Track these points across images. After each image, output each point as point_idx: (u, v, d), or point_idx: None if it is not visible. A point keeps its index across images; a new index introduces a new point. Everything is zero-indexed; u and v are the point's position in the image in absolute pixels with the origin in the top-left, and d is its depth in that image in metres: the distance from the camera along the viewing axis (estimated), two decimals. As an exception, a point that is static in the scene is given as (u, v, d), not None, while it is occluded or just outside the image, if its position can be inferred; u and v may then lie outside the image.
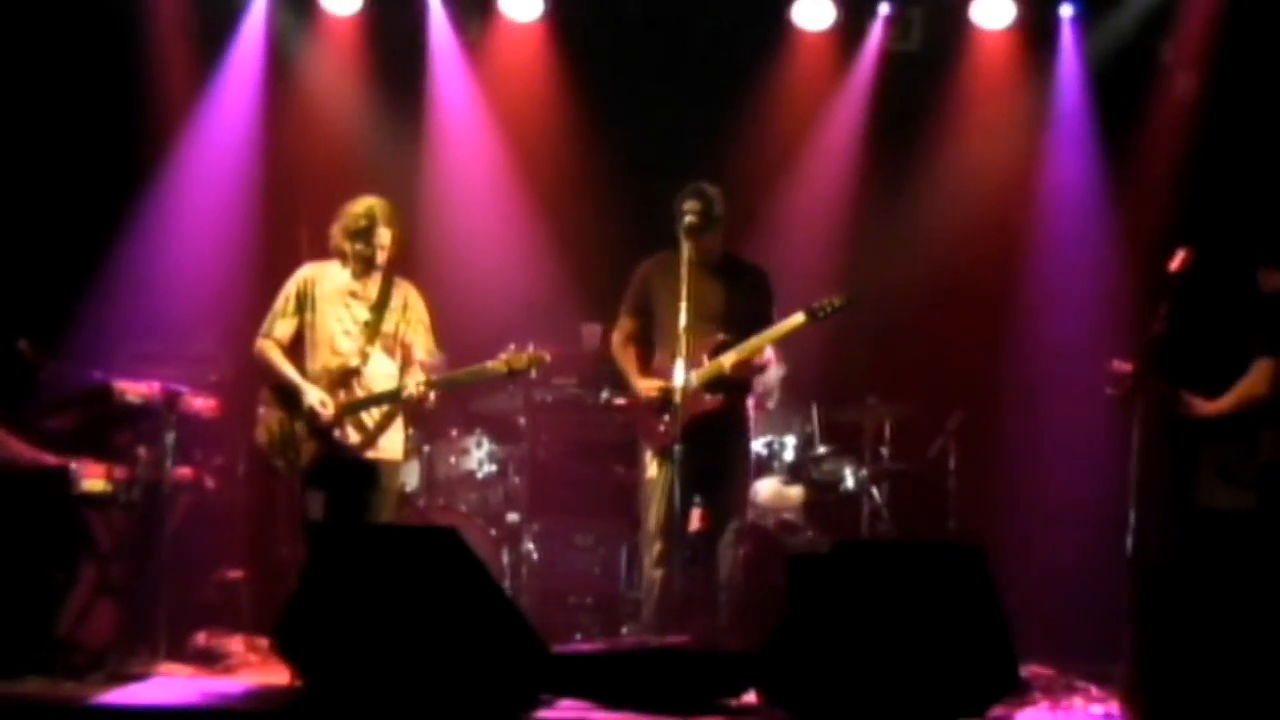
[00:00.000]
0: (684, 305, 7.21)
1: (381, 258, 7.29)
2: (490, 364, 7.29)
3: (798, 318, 7.47)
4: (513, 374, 7.31)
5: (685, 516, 7.31)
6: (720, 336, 7.40)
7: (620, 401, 8.08)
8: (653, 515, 7.59)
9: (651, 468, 7.61)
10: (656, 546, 7.55)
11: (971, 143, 9.67)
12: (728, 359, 7.41)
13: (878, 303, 9.36)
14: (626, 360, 7.78)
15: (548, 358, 7.36)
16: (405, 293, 7.43)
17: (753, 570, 8.06)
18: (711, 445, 7.30)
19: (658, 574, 7.53)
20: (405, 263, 7.71)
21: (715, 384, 7.41)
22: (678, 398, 7.25)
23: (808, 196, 9.84)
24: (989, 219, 9.53)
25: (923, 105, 9.68)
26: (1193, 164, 9.16)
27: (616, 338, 7.84)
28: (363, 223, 7.27)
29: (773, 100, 9.76)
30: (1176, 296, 7.23)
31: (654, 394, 7.52)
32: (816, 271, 9.43)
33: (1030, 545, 8.76)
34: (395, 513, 7.59)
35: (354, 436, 7.23)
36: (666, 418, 7.44)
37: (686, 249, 7.34)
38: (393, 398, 7.25)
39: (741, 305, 7.54)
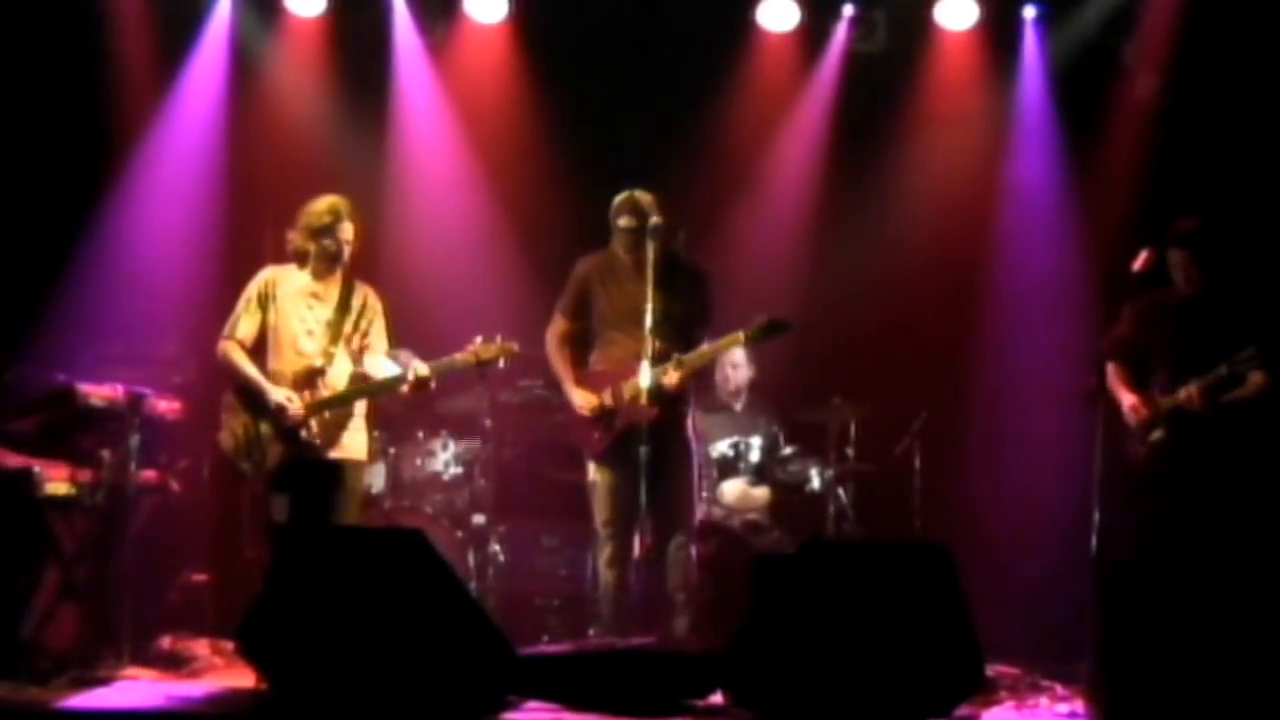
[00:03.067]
0: (650, 306, 7.19)
1: (346, 253, 7.26)
2: (459, 356, 7.26)
3: (736, 336, 7.46)
4: (481, 365, 7.27)
5: (634, 517, 7.29)
6: (658, 345, 7.31)
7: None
8: (600, 518, 7.60)
9: (593, 471, 7.62)
10: (608, 549, 7.56)
11: (935, 143, 9.68)
12: (667, 376, 7.34)
13: (842, 303, 9.42)
14: (562, 364, 7.72)
15: (516, 348, 7.32)
16: (364, 294, 7.42)
17: (717, 571, 8.06)
18: (653, 450, 7.23)
19: (611, 575, 7.54)
20: (368, 264, 7.68)
21: (653, 395, 7.33)
22: (644, 399, 7.23)
23: (772, 197, 9.84)
24: (953, 218, 9.54)
25: (887, 106, 9.69)
26: (1155, 164, 9.19)
27: (551, 338, 7.77)
28: (326, 219, 7.24)
29: (737, 101, 9.75)
30: (1139, 297, 7.26)
31: (587, 411, 7.52)
32: (780, 274, 9.47)
33: (995, 545, 8.76)
34: (360, 515, 7.54)
35: (319, 436, 7.18)
36: (600, 428, 7.48)
37: (635, 251, 7.37)
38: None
39: (681, 307, 7.47)
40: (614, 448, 7.51)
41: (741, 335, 7.44)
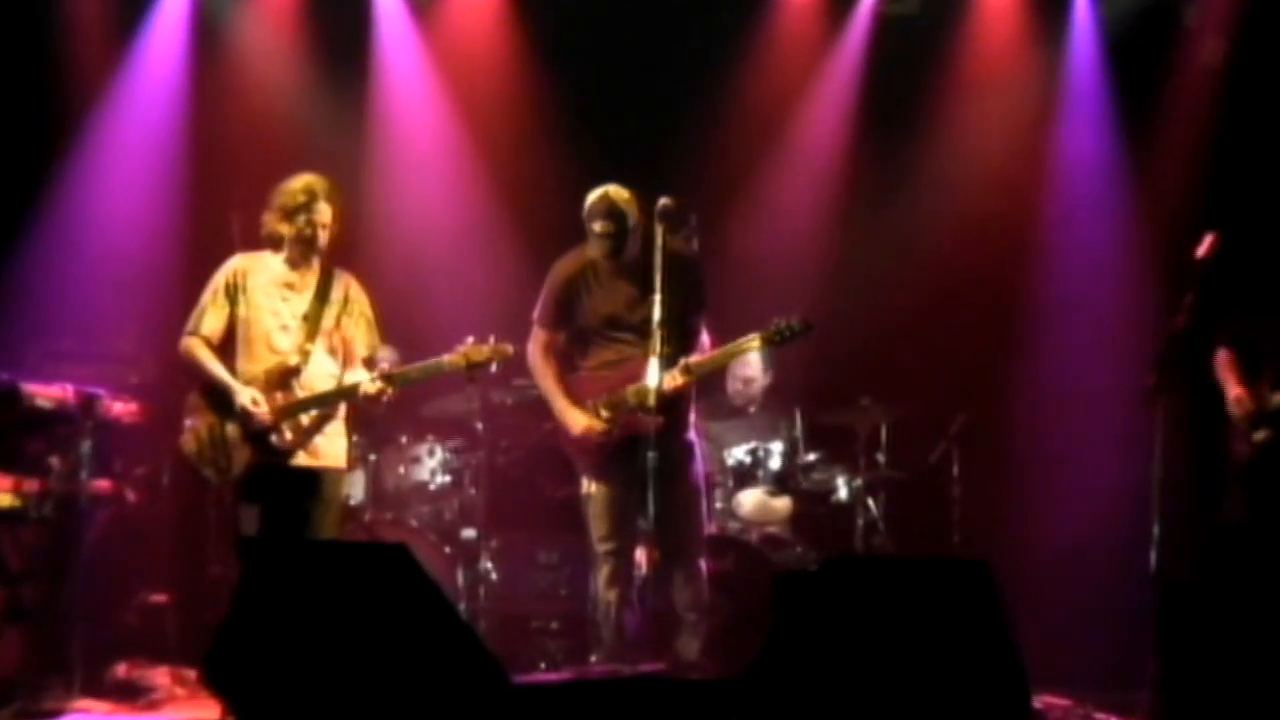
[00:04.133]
0: (658, 298, 7.15)
1: (323, 237, 7.23)
2: (447, 358, 7.21)
3: (752, 340, 7.39)
4: (471, 368, 7.22)
5: (636, 534, 7.27)
6: (658, 349, 7.25)
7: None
8: (597, 533, 7.57)
9: (587, 483, 7.59)
10: (607, 567, 7.53)
11: (974, 115, 9.69)
12: (671, 380, 7.30)
13: (872, 293, 9.42)
14: (550, 383, 7.62)
15: (511, 350, 7.26)
16: (346, 284, 7.38)
17: (734, 589, 8.04)
18: (657, 461, 7.19)
19: (611, 596, 7.52)
20: (348, 252, 7.68)
21: (657, 403, 7.29)
22: (651, 400, 7.19)
23: (794, 176, 9.84)
24: (994, 202, 9.54)
25: (921, 74, 9.69)
26: (1219, 137, 9.17)
27: (534, 352, 7.67)
28: (301, 199, 7.21)
29: (755, 69, 9.76)
30: (1203, 285, 7.23)
31: (595, 433, 7.47)
32: (803, 261, 9.48)
33: (1043, 561, 8.77)
34: (338, 527, 7.53)
35: (292, 442, 7.16)
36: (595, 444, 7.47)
37: (612, 257, 7.40)
38: (347, 395, 7.19)
39: (671, 301, 7.32)
40: (611, 458, 7.48)
41: (757, 339, 7.34)
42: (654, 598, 7.40)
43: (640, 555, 7.36)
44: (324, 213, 7.24)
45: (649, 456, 7.10)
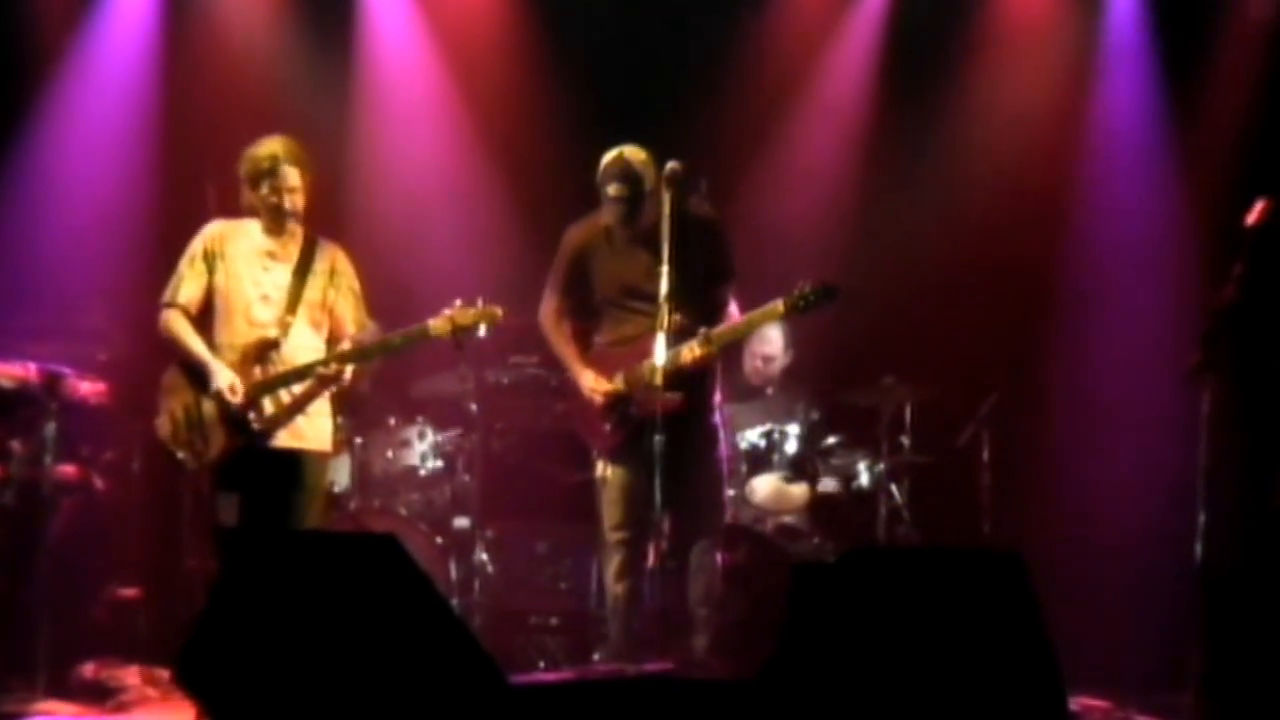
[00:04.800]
0: (665, 269, 7.11)
1: (290, 203, 7.21)
2: (431, 322, 7.19)
3: (775, 306, 7.35)
4: (457, 333, 7.20)
5: (650, 521, 7.24)
6: (678, 319, 7.25)
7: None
8: (609, 521, 7.55)
9: (601, 467, 7.57)
10: (617, 558, 7.52)
11: (1006, 72, 9.68)
12: (690, 353, 7.28)
13: (896, 264, 9.41)
14: (563, 343, 7.64)
15: (500, 313, 7.23)
16: (332, 256, 7.38)
17: (746, 583, 8.05)
18: (672, 440, 7.16)
19: (621, 589, 7.51)
20: (334, 220, 7.68)
21: (672, 377, 7.26)
22: (658, 379, 7.15)
23: (813, 141, 9.84)
24: (1027, 167, 9.52)
25: (949, 27, 9.68)
26: (1271, 99, 9.13)
27: (547, 316, 7.69)
28: (265, 164, 7.20)
29: (772, 24, 9.75)
30: (1253, 255, 7.21)
31: (599, 397, 7.46)
32: (822, 230, 9.48)
33: (1079, 552, 8.79)
34: (323, 516, 7.52)
35: (272, 423, 7.16)
36: (612, 420, 7.43)
37: (626, 223, 7.34)
38: (300, 375, 7.17)
39: (692, 268, 7.30)
40: (629, 440, 7.45)
41: (780, 304, 7.31)
42: (661, 592, 7.37)
43: (650, 547, 7.33)
44: (290, 177, 7.21)
45: (656, 440, 7.06)
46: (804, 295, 7.23)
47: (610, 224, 7.49)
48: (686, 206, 7.41)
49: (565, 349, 7.66)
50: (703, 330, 7.30)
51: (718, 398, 7.63)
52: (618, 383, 7.47)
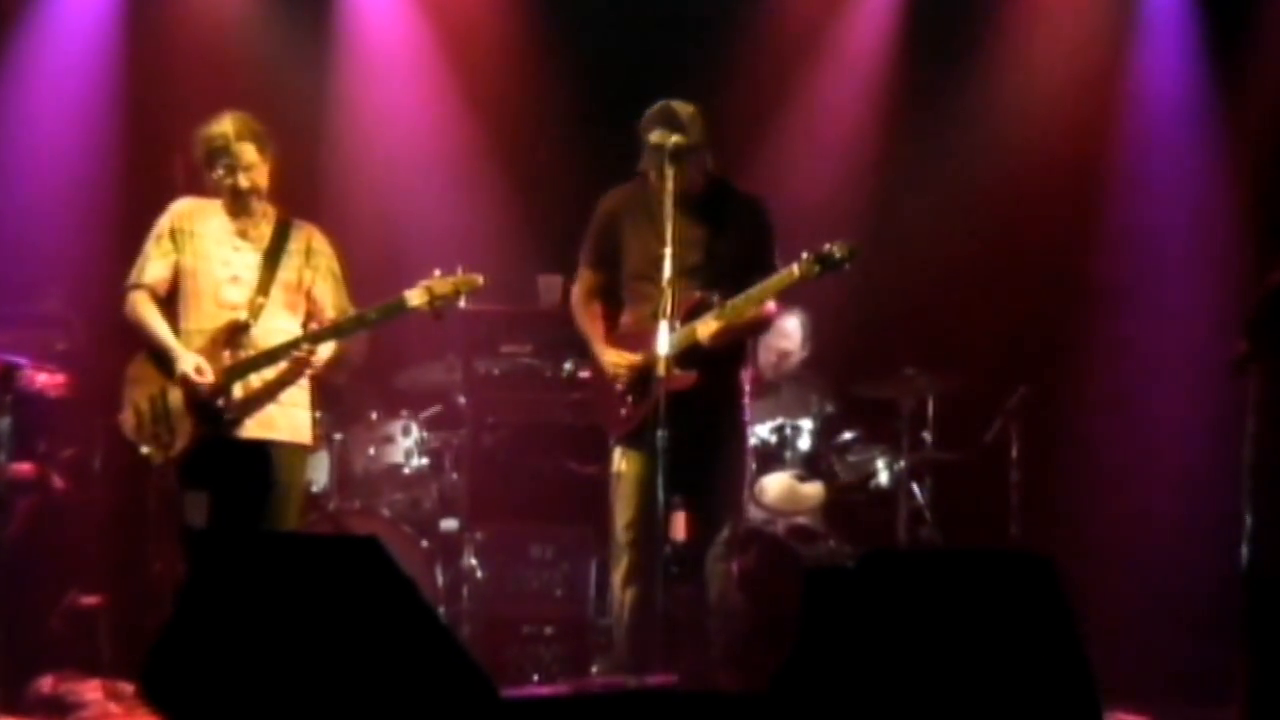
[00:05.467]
0: (668, 251, 7.10)
1: (249, 181, 7.21)
2: (408, 294, 7.17)
3: (789, 272, 7.30)
4: (436, 303, 7.19)
5: (664, 519, 7.22)
6: (697, 294, 7.24)
7: (585, 374, 8.01)
8: (621, 518, 7.51)
9: (619, 459, 7.53)
10: (626, 559, 7.46)
11: (1038, 43, 9.68)
12: (705, 327, 7.25)
13: (917, 245, 9.42)
14: (589, 321, 7.62)
15: (480, 281, 7.22)
16: (307, 235, 7.38)
17: (756, 589, 8.06)
18: (693, 430, 7.17)
19: (629, 594, 7.45)
20: (311, 198, 7.72)
21: (690, 356, 7.25)
22: (660, 369, 7.14)
23: (827, 112, 9.88)
24: (1060, 142, 9.54)
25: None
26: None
27: (577, 293, 7.66)
28: (216, 144, 7.22)
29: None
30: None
31: (622, 372, 7.43)
32: (836, 208, 9.44)
33: (1115, 555, 8.81)
34: (299, 516, 7.51)
35: (243, 412, 7.16)
36: (631, 399, 7.38)
37: (661, 179, 7.25)
38: (271, 358, 7.17)
39: (730, 249, 7.31)
40: (645, 426, 7.40)
41: (795, 270, 7.22)
42: (668, 598, 7.36)
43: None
44: (245, 154, 7.21)
45: (660, 435, 7.03)
46: (820, 257, 7.17)
47: (650, 185, 7.42)
48: (732, 185, 7.48)
49: (590, 326, 7.60)
50: (717, 299, 7.26)
51: (746, 388, 7.58)
52: (640, 357, 7.41)
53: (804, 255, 7.13)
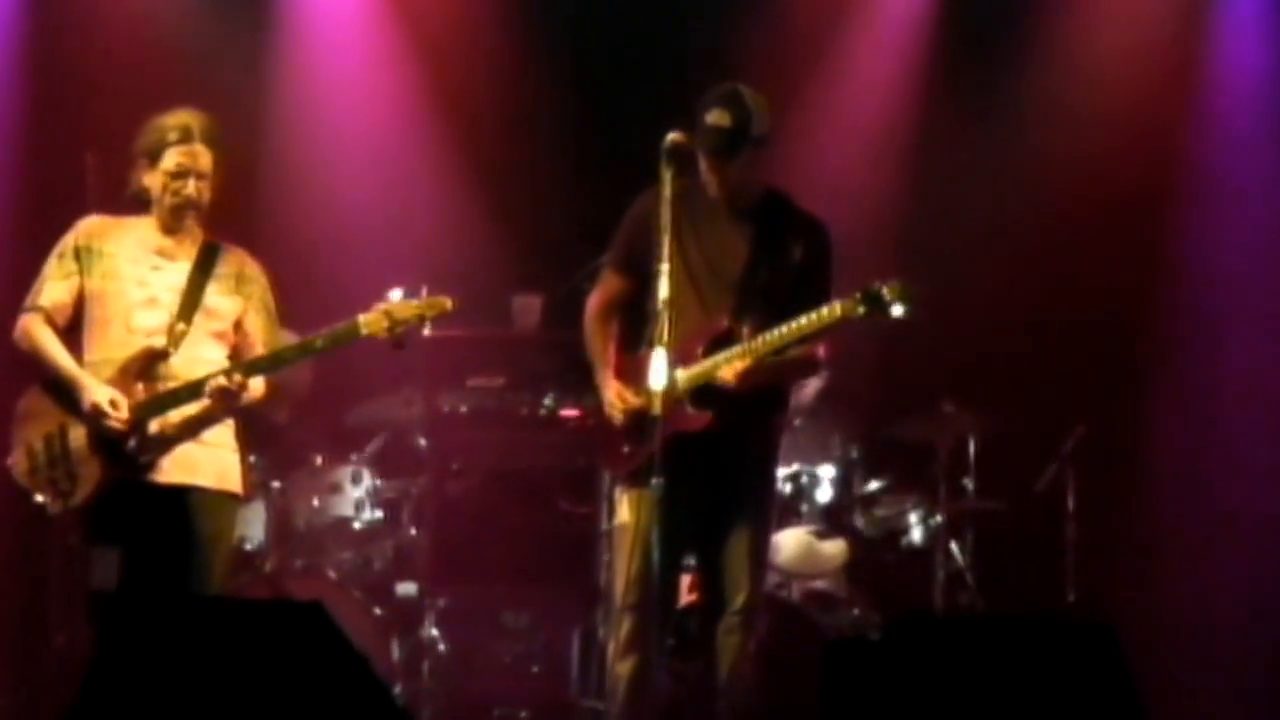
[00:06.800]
0: (665, 267, 7.04)
1: (196, 191, 7.17)
2: (363, 317, 7.10)
3: (831, 309, 7.21)
4: (396, 330, 7.12)
5: (670, 582, 7.18)
6: (724, 323, 7.20)
7: (570, 412, 7.96)
8: (622, 577, 7.45)
9: (623, 507, 7.47)
10: (625, 625, 7.40)
11: (1098, 27, 9.72)
12: (730, 365, 7.19)
13: (957, 265, 9.42)
14: (599, 341, 7.49)
15: (449, 304, 7.14)
16: (240, 260, 7.35)
17: (768, 663, 7.99)
18: (711, 480, 7.12)
19: (626, 667, 7.39)
20: (244, 213, 7.75)
21: (707, 395, 7.19)
22: (656, 406, 7.07)
23: (850, 110, 9.92)
24: (1123, 135, 9.56)
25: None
26: None
27: (594, 302, 7.53)
28: (173, 136, 7.17)
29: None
30: None
31: (619, 409, 7.37)
32: (863, 222, 9.37)
33: (1186, 623, 8.84)
34: (229, 577, 7.46)
35: (160, 453, 7.11)
36: (634, 435, 7.32)
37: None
38: (194, 391, 7.12)
39: (778, 273, 7.22)
40: (649, 469, 7.33)
41: (838, 307, 7.18)
42: (670, 675, 7.34)
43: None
44: (201, 158, 7.19)
45: (655, 484, 6.97)
46: (868, 296, 7.11)
47: (698, 185, 7.34)
48: (790, 200, 7.40)
49: (598, 348, 7.49)
50: (746, 332, 7.18)
51: (777, 438, 7.50)
52: (643, 396, 7.34)
53: (856, 293, 7.06)
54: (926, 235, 9.51)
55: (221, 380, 7.00)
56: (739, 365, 7.04)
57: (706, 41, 9.46)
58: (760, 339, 7.10)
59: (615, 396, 7.29)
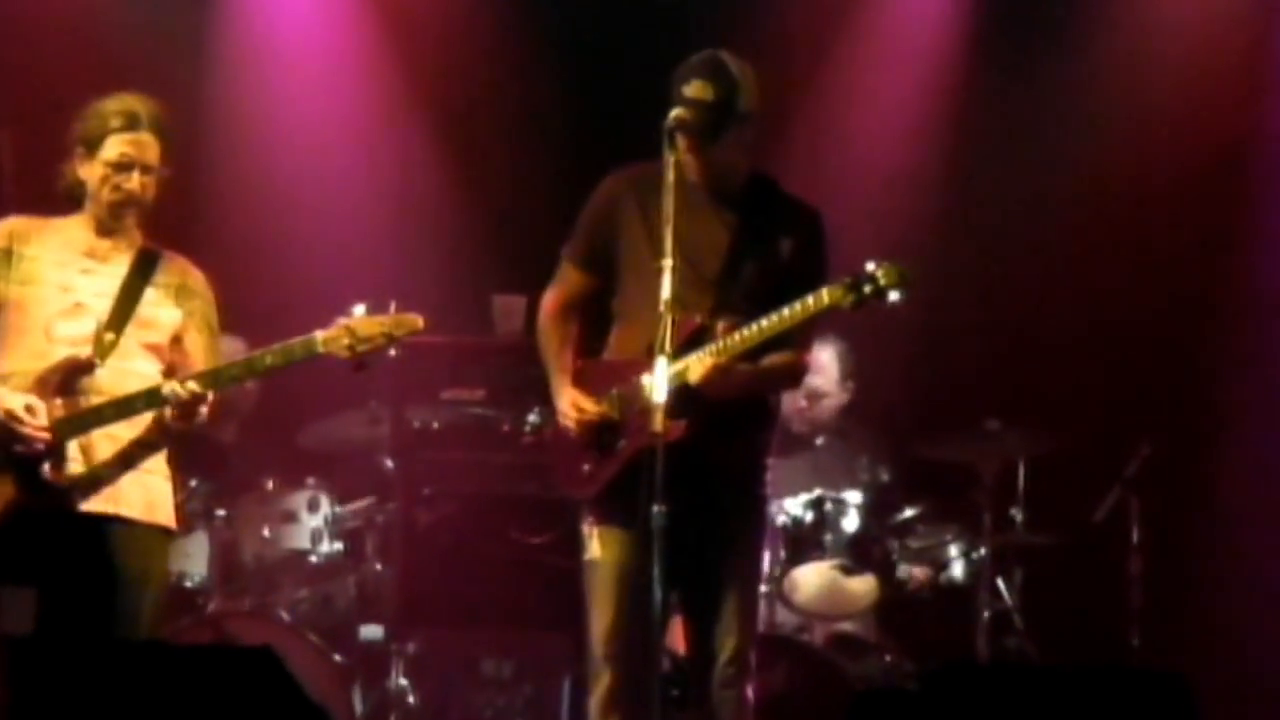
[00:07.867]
0: (667, 263, 6.96)
1: (140, 186, 7.16)
2: (321, 334, 7.05)
3: (818, 297, 7.11)
4: (358, 349, 7.07)
5: (660, 624, 7.09)
6: (697, 319, 7.09)
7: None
8: (599, 624, 7.37)
9: (594, 542, 7.39)
10: (605, 679, 7.34)
11: (1157, 11, 9.76)
12: (700, 362, 7.10)
13: (1001, 269, 9.44)
14: (555, 344, 7.42)
15: (421, 323, 7.09)
16: (183, 272, 7.34)
17: (791, 716, 7.98)
18: (690, 506, 7.01)
19: (611, 724, 7.38)
20: (186, 216, 7.69)
21: (680, 402, 7.08)
22: (657, 423, 6.97)
23: (880, 95, 9.98)
24: (1184, 132, 9.58)
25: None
26: None
27: (550, 300, 7.48)
28: (116, 122, 7.16)
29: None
30: None
31: (574, 419, 7.28)
32: (893, 218, 9.52)
33: (1272, 673, 8.82)
34: (164, 621, 7.46)
35: (82, 476, 7.06)
36: (594, 452, 7.24)
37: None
38: (148, 401, 7.06)
39: (764, 266, 7.17)
40: (619, 491, 7.26)
41: (825, 295, 7.13)
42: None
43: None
44: (148, 150, 7.16)
45: (657, 512, 6.88)
46: (858, 281, 7.06)
47: (673, 165, 7.27)
48: (778, 185, 7.34)
49: (554, 351, 7.43)
50: (721, 329, 7.11)
51: (766, 456, 7.42)
52: (604, 405, 7.29)
53: (845, 280, 7.00)
54: (962, 238, 9.56)
55: (165, 390, 6.92)
56: (709, 362, 6.95)
57: (700, 42, 9.50)
58: (736, 335, 6.98)
59: (570, 405, 7.16)
